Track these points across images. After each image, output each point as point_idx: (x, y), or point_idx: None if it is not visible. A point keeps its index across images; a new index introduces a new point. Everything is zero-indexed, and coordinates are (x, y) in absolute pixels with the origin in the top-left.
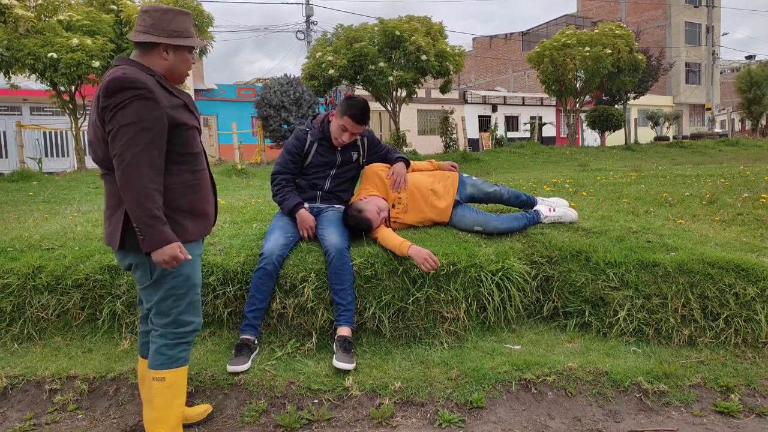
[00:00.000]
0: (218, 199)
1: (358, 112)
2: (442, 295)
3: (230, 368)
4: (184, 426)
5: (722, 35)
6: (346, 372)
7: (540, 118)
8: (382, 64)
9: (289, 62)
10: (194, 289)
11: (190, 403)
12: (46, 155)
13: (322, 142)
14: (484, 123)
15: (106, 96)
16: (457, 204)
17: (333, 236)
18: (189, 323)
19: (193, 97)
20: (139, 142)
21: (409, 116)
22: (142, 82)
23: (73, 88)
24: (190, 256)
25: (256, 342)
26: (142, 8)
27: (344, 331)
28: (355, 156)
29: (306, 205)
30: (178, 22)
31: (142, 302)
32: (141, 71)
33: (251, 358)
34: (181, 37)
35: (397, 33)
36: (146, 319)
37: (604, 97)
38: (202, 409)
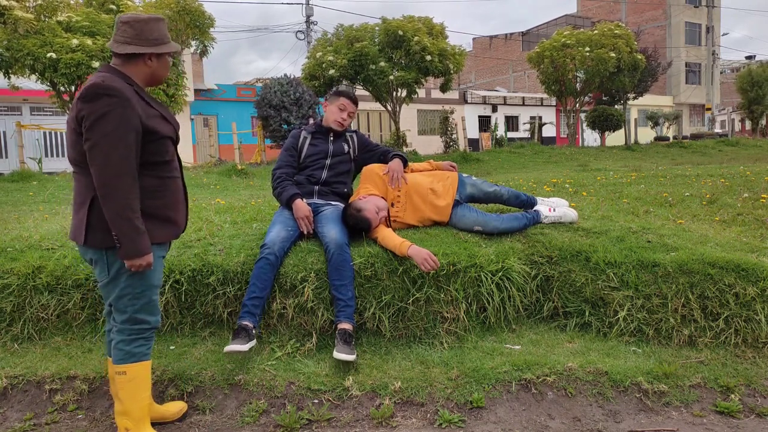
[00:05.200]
0: (189, 205)
1: (351, 93)
2: (442, 295)
3: (227, 348)
4: (162, 424)
5: (722, 35)
6: (347, 364)
7: (540, 118)
8: (382, 63)
9: (287, 62)
10: (152, 290)
11: (188, 401)
12: (46, 155)
13: (315, 135)
14: (484, 123)
15: (84, 101)
16: (457, 204)
17: (333, 232)
18: (145, 321)
19: (193, 97)
20: (118, 152)
21: (409, 116)
22: (119, 90)
23: (73, 88)
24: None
25: (254, 330)
26: (120, 19)
27: (344, 325)
28: (346, 148)
29: (303, 199)
30: (159, 30)
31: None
32: (120, 79)
33: (250, 345)
34: (163, 44)
35: (400, 33)
36: (110, 316)
37: (603, 98)
38: (177, 408)
